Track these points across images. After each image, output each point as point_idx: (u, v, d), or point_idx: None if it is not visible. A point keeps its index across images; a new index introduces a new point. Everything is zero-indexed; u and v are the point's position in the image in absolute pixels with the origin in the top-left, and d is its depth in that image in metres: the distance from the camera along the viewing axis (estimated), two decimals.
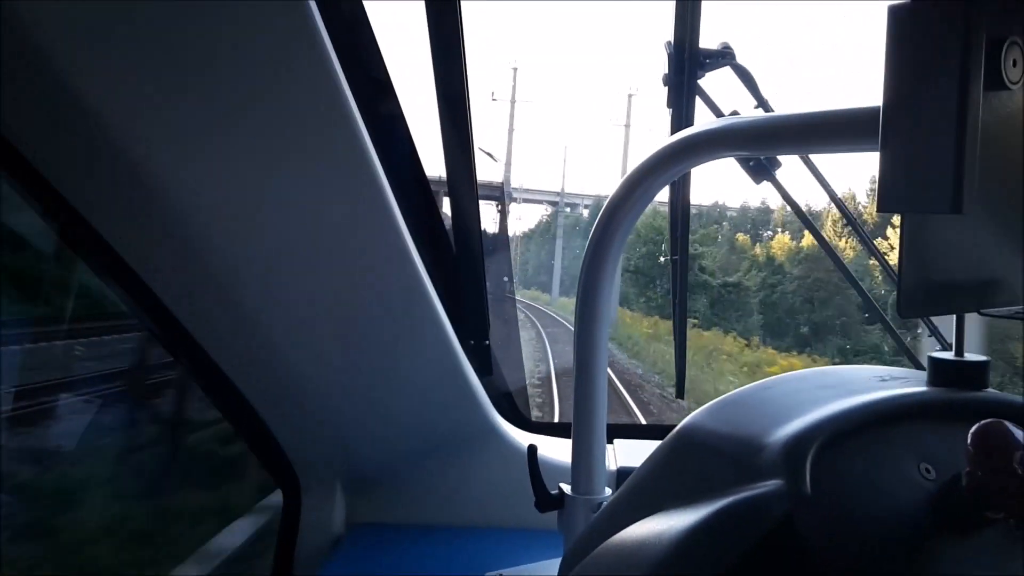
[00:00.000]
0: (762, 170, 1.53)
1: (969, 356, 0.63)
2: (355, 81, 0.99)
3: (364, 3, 1.09)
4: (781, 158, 1.55)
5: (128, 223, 1.04)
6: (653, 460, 0.57)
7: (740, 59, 1.37)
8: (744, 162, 1.53)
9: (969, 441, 0.50)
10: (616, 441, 1.60)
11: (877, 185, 0.45)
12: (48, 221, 1.09)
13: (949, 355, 0.63)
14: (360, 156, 1.01)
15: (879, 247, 1.50)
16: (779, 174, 1.45)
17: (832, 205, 1.56)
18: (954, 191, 0.42)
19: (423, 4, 1.16)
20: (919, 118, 0.44)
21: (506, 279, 1.73)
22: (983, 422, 0.51)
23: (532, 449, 1.11)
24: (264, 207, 1.03)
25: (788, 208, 1.55)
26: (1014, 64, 0.47)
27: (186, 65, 0.89)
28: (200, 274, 1.08)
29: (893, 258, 0.60)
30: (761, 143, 0.74)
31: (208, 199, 0.99)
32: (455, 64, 1.19)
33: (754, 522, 0.45)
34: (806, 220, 1.61)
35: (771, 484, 0.46)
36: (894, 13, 0.45)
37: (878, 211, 0.45)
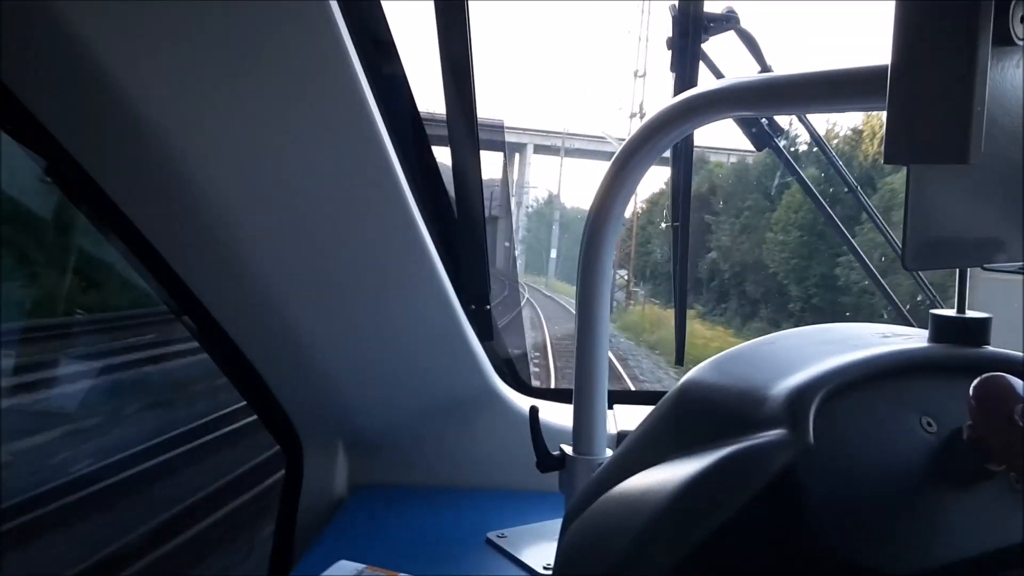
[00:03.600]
0: (764, 136, 1.53)
1: (971, 313, 0.63)
2: (360, 43, 0.99)
3: None
4: (783, 125, 1.56)
5: (126, 176, 1.04)
6: (654, 415, 0.58)
7: (744, 24, 1.36)
8: (746, 128, 1.54)
9: (971, 394, 0.50)
10: (616, 406, 1.61)
11: (884, 138, 0.45)
12: (54, 177, 1.09)
13: (951, 312, 0.63)
14: (363, 117, 1.02)
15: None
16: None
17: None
18: (960, 141, 0.42)
19: None
20: (927, 72, 0.44)
21: (507, 244, 1.73)
22: (985, 375, 0.51)
23: (534, 410, 1.12)
24: (265, 166, 1.03)
25: None
26: (1022, 20, 0.47)
27: (191, 26, 0.89)
28: (201, 234, 1.08)
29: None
30: (765, 102, 0.74)
31: (205, 154, 1.00)
32: (458, 23, 1.18)
33: (757, 471, 0.45)
34: (806, 186, 1.62)
35: (774, 434, 0.47)
36: None
37: (885, 163, 0.45)
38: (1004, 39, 0.46)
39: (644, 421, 0.60)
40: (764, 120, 1.53)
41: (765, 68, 1.43)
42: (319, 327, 1.23)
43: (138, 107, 0.92)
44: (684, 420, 0.55)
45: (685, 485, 0.46)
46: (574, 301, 1.04)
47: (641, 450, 0.57)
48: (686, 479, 0.46)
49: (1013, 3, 0.46)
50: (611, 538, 0.49)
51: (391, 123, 1.08)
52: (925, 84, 0.43)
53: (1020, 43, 0.47)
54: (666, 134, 0.90)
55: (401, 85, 1.20)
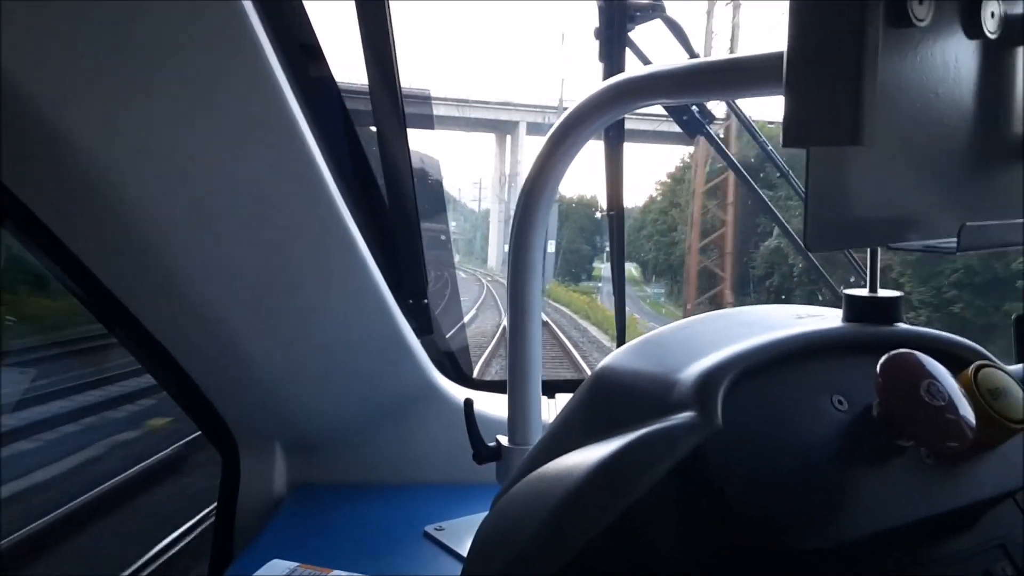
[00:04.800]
0: (695, 124, 1.55)
1: (882, 292, 0.64)
2: (273, 28, 0.97)
3: None
4: (714, 112, 1.58)
5: (46, 184, 1.01)
6: (573, 402, 0.58)
7: (670, 11, 1.38)
8: (678, 116, 1.55)
9: (878, 371, 0.51)
10: (558, 395, 1.61)
11: (783, 122, 0.46)
12: None
13: (863, 292, 0.64)
14: (283, 111, 1.00)
15: None
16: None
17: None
18: (853, 123, 0.43)
19: None
20: (820, 53, 0.44)
21: (443, 237, 1.72)
22: (892, 352, 0.52)
23: (468, 403, 1.12)
24: (185, 167, 1.01)
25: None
26: (920, 2, 0.48)
27: (99, 21, 0.87)
28: (124, 239, 1.06)
29: None
30: (681, 89, 0.74)
31: (126, 159, 0.97)
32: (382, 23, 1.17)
33: (664, 453, 0.46)
34: (738, 171, 1.64)
35: (683, 417, 0.47)
36: None
37: (783, 147, 0.46)
38: (902, 20, 0.47)
39: (564, 407, 0.60)
40: (695, 108, 1.54)
41: (693, 55, 1.45)
42: (250, 328, 1.21)
43: (47, 113, 0.90)
44: (600, 405, 0.55)
45: (596, 467, 0.46)
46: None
47: (561, 436, 0.57)
48: (595, 461, 0.46)
49: None
50: (522, 522, 0.50)
51: (312, 114, 1.06)
52: (818, 68, 0.44)
53: (919, 23, 0.48)
54: (592, 121, 0.91)
55: (325, 79, 1.19)
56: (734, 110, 1.53)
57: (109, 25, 0.87)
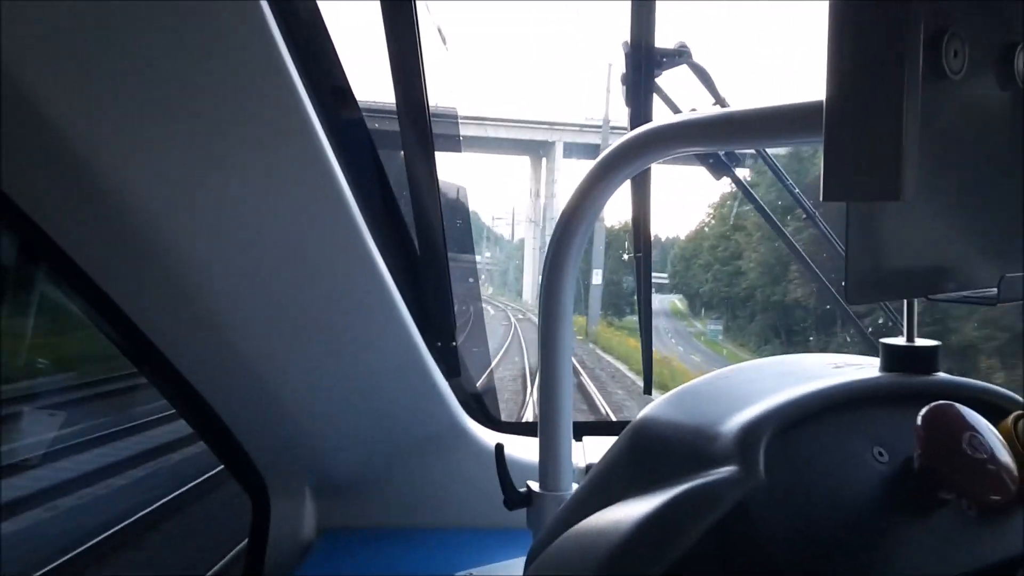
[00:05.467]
0: (722, 166, 1.55)
1: (920, 341, 0.64)
2: (310, 79, 0.99)
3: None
4: (740, 154, 1.58)
5: (80, 225, 1.03)
6: (612, 453, 0.58)
7: (697, 58, 1.39)
8: (704, 159, 1.56)
9: (919, 423, 0.51)
10: (585, 438, 1.60)
11: (822, 175, 0.46)
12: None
13: (901, 341, 0.64)
14: (316, 155, 1.02)
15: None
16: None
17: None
18: (895, 179, 0.43)
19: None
20: (860, 108, 0.45)
21: (471, 280, 1.73)
22: (932, 404, 0.52)
23: (499, 447, 1.12)
24: (220, 210, 1.02)
25: None
26: (955, 55, 0.48)
27: (132, 58, 0.88)
28: (157, 278, 1.07)
29: None
30: (714, 138, 0.75)
31: (161, 202, 0.99)
32: (412, 64, 1.19)
33: (708, 508, 0.45)
34: (766, 214, 1.64)
35: (725, 471, 0.47)
36: (835, 7, 0.46)
37: (822, 200, 0.46)
38: (938, 73, 0.47)
39: (603, 458, 0.60)
40: (721, 152, 1.55)
41: (719, 100, 1.45)
42: (282, 372, 1.22)
43: (71, 139, 0.91)
44: (640, 457, 0.55)
45: (640, 523, 0.46)
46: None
47: (601, 487, 0.57)
48: (640, 517, 0.46)
49: (946, 38, 0.48)
50: None
51: (346, 160, 1.08)
52: (858, 121, 0.44)
53: (954, 76, 0.48)
54: (622, 168, 0.92)
55: (356, 123, 1.21)
56: (761, 154, 1.53)
57: (144, 61, 0.89)
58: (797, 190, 1.56)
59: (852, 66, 0.45)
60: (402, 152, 1.27)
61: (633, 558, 0.45)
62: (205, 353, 1.18)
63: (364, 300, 1.19)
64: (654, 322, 1.62)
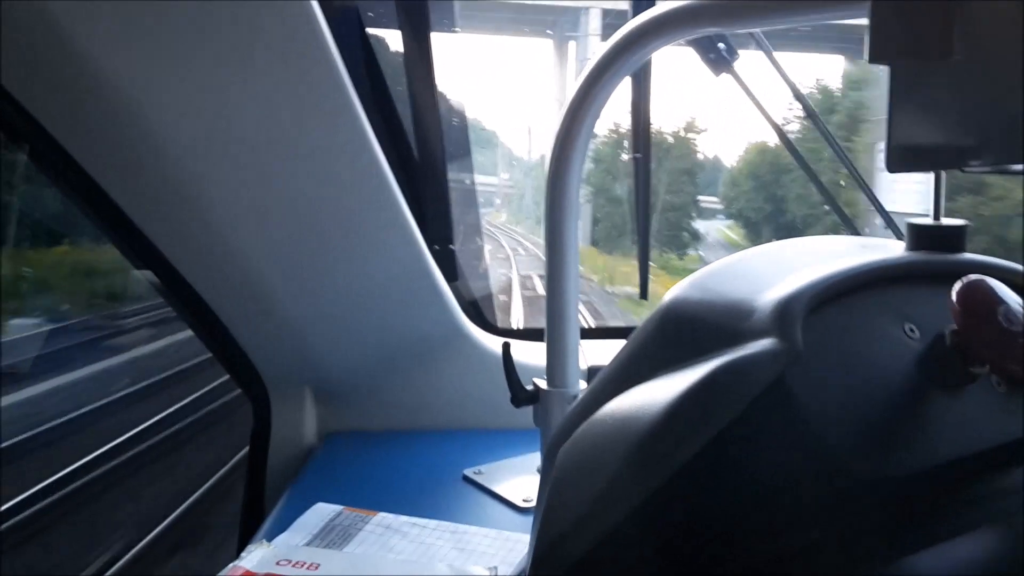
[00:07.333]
0: (722, 62, 1.52)
1: (946, 220, 0.63)
2: None
3: None
4: (740, 50, 1.54)
5: (84, 129, 1.00)
6: (638, 337, 0.57)
7: None
8: (704, 54, 1.52)
9: (953, 298, 0.50)
10: (584, 342, 1.61)
11: (868, 39, 0.44)
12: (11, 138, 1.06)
13: (928, 220, 0.63)
14: (317, 44, 0.98)
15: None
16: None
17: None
18: (946, 37, 0.41)
19: None
20: None
21: (468, 183, 1.71)
22: (966, 278, 0.51)
23: (506, 346, 1.11)
24: (223, 110, 1.00)
25: None
26: None
27: None
28: (162, 188, 1.05)
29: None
30: (736, 16, 0.72)
31: (165, 108, 0.96)
32: None
33: (747, 381, 0.45)
34: (764, 112, 1.61)
35: (764, 343, 0.46)
36: None
37: (869, 62, 0.44)
38: None
39: (626, 345, 0.59)
40: (722, 45, 1.51)
41: None
42: (283, 273, 1.20)
43: (83, 46, 0.89)
44: (671, 338, 0.54)
45: (677, 399, 0.45)
46: None
47: (625, 372, 0.56)
48: (678, 393, 0.46)
49: None
50: (603, 459, 0.49)
51: (351, 69, 1.04)
52: None
53: None
54: (628, 57, 0.89)
55: (355, 22, 1.17)
56: (762, 47, 1.49)
57: None
58: (797, 87, 1.53)
59: None
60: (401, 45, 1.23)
61: (671, 435, 0.45)
62: (206, 256, 1.17)
63: (368, 203, 1.17)
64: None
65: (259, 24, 0.95)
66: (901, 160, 0.48)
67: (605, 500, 0.47)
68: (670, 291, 0.57)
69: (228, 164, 1.04)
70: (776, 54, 1.49)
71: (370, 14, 1.21)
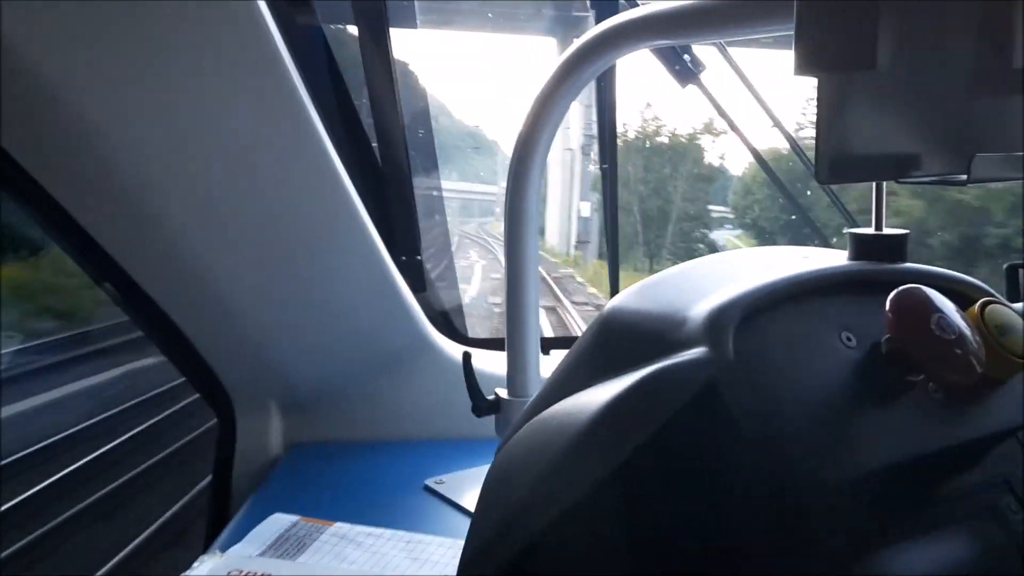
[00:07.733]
0: (688, 73, 1.53)
1: (888, 230, 0.64)
2: None
3: None
4: (706, 61, 1.56)
5: (35, 141, 0.99)
6: (579, 345, 0.57)
7: None
8: (670, 65, 1.53)
9: (888, 306, 0.51)
10: (552, 351, 1.61)
11: (793, 51, 0.45)
12: None
13: (868, 230, 0.63)
14: (273, 61, 0.98)
15: None
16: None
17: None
18: (869, 47, 0.42)
19: None
20: None
21: (436, 192, 1.71)
22: (902, 287, 0.52)
23: (467, 356, 1.12)
24: (174, 118, 0.99)
25: None
26: None
27: None
28: (118, 194, 1.04)
29: None
30: (678, 30, 0.73)
31: (116, 117, 0.96)
32: None
33: (677, 388, 0.45)
34: (730, 122, 1.62)
35: (694, 352, 0.47)
36: None
37: (794, 75, 0.45)
38: None
39: (570, 352, 0.60)
40: (687, 57, 1.52)
41: None
42: (245, 287, 1.20)
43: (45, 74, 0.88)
44: (607, 346, 0.54)
45: (606, 405, 0.46)
46: None
47: (566, 380, 0.57)
48: (608, 399, 0.46)
49: None
50: (533, 462, 0.49)
51: (308, 76, 1.04)
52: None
53: None
54: (587, 66, 0.90)
55: (317, 35, 1.17)
56: (727, 58, 1.51)
57: None
58: (761, 96, 1.55)
59: None
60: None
61: (600, 440, 0.45)
62: (167, 269, 1.16)
63: (328, 215, 1.17)
64: None
65: (207, 29, 0.94)
66: (832, 171, 0.48)
67: (529, 508, 0.47)
68: (611, 300, 0.58)
69: (181, 175, 1.03)
70: (775, 54, 1.51)
71: (332, 27, 1.21)
